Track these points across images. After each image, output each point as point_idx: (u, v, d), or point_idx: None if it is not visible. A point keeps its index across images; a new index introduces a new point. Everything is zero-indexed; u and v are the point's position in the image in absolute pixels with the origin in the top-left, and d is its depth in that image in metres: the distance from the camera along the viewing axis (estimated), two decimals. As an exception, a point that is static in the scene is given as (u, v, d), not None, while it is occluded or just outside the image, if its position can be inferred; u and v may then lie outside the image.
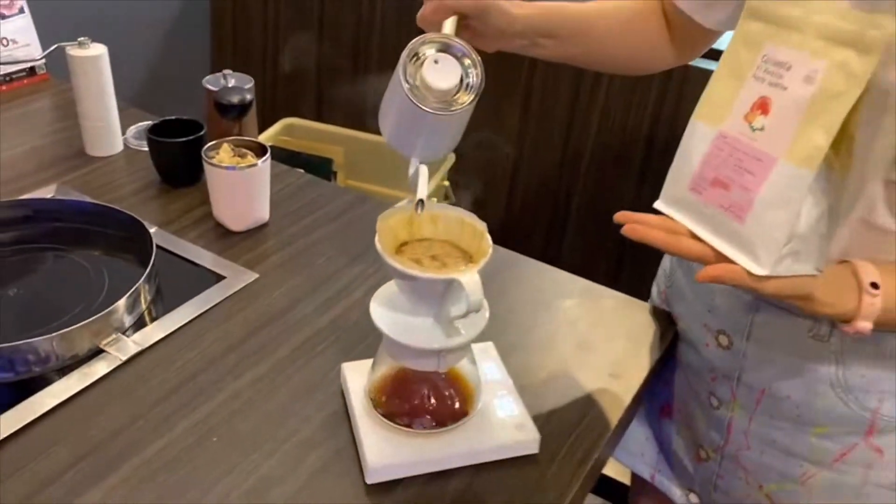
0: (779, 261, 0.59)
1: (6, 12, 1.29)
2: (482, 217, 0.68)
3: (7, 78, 1.31)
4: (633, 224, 0.61)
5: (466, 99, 0.64)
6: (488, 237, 0.66)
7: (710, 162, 0.64)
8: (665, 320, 0.90)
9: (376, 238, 0.64)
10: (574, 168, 1.49)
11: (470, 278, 0.60)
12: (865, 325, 0.64)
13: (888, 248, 0.67)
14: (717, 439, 0.85)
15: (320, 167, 1.50)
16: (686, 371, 0.89)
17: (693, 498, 0.92)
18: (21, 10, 1.31)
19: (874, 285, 0.63)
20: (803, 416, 0.77)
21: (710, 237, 0.62)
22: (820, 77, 0.57)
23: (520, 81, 1.50)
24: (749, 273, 0.59)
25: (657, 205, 0.68)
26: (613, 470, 1.13)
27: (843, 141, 0.57)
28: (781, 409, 0.78)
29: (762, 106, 0.61)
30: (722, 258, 0.60)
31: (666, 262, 0.96)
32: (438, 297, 0.64)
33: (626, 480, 1.10)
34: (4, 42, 1.28)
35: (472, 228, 0.67)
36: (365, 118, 1.66)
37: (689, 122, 0.66)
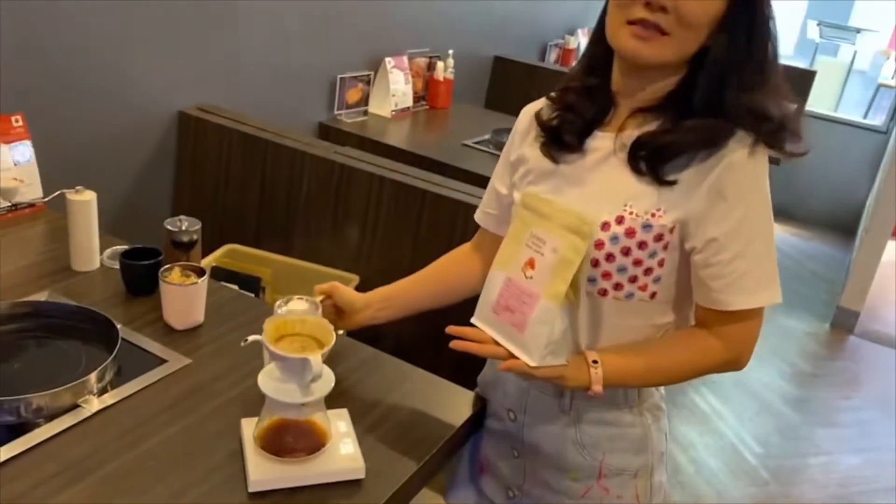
0: (543, 357, 0.99)
1: (20, 159, 1.71)
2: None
3: (13, 208, 1.71)
4: (456, 341, 1.02)
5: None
6: (333, 333, 1.07)
7: (504, 294, 1.04)
8: (479, 402, 1.29)
9: (262, 334, 1.04)
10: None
11: (315, 357, 1.00)
12: (598, 388, 1.03)
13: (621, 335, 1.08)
14: (519, 481, 1.23)
15: (251, 283, 1.90)
16: (493, 437, 1.27)
17: (505, 528, 1.29)
18: (30, 158, 1.73)
19: (595, 361, 1.04)
20: (560, 465, 1.16)
21: (505, 342, 1.02)
22: (560, 250, 0.98)
23: (410, 221, 1.96)
24: (527, 364, 0.99)
25: (473, 320, 1.08)
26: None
27: (574, 287, 0.99)
28: (548, 460, 1.17)
29: (531, 263, 1.01)
30: (512, 356, 1.01)
31: (485, 365, 1.37)
32: (299, 370, 1.03)
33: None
34: (18, 180, 1.69)
35: (325, 328, 1.08)
36: (290, 248, 2.10)
37: (491, 269, 1.07)
